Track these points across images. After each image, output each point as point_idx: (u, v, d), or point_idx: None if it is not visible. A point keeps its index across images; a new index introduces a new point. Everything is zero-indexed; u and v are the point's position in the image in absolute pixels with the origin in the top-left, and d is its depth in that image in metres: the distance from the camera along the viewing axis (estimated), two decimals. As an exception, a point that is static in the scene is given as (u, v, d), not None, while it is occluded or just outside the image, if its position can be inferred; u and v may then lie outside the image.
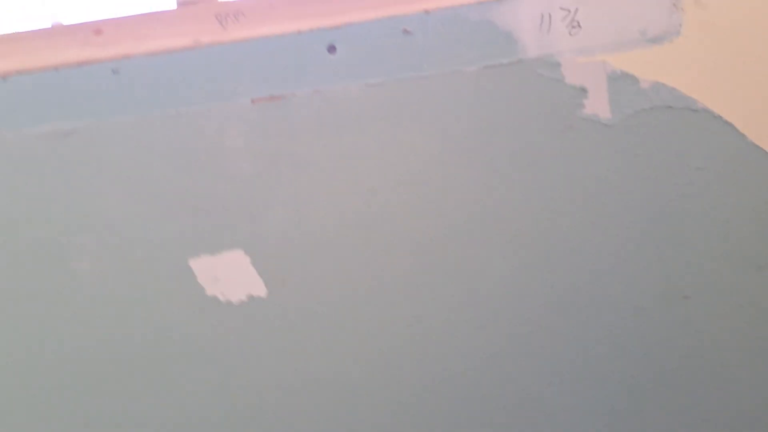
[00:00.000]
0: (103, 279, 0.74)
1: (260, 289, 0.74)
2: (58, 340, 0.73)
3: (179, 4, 0.78)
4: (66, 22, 0.79)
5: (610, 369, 0.74)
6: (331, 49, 0.75)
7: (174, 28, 0.77)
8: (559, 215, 0.72)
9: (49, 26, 0.79)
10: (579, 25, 0.73)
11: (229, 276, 0.74)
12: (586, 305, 0.73)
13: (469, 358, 0.74)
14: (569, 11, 0.73)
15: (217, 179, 0.75)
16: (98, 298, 0.73)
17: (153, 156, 0.75)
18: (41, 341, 0.73)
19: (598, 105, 0.72)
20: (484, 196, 0.73)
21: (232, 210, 0.74)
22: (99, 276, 0.74)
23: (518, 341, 0.74)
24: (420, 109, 0.74)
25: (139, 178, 0.75)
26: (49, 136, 0.75)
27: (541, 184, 0.72)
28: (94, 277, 0.73)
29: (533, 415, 0.75)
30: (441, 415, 0.74)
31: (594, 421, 0.74)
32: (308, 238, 0.74)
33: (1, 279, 0.73)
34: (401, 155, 0.74)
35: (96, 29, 0.77)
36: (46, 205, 0.74)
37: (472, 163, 0.73)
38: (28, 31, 0.79)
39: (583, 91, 0.73)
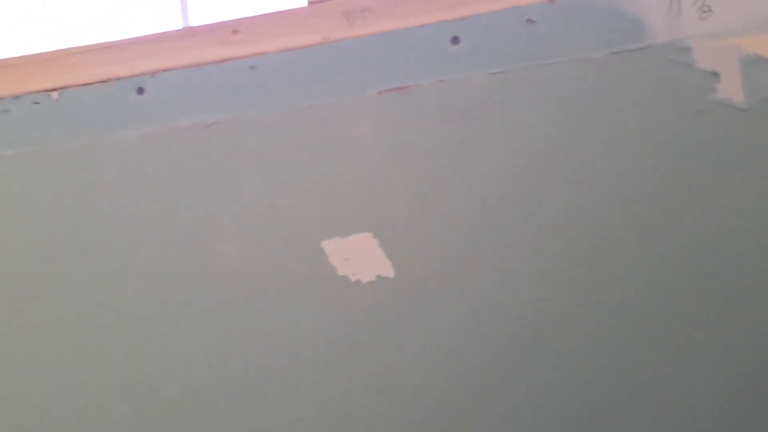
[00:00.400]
0: (244, 259, 0.80)
1: (388, 270, 0.78)
2: (203, 312, 0.80)
3: (309, 3, 0.82)
4: (202, 23, 0.85)
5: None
6: (455, 40, 0.77)
7: (305, 26, 0.81)
8: (692, 200, 0.72)
9: (190, 26, 0.85)
10: (710, 9, 0.72)
11: (359, 257, 0.78)
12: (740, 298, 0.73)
13: (601, 343, 0.75)
14: (700, -6, 0.72)
15: (346, 167, 0.79)
16: (239, 276, 0.80)
17: (287, 146, 0.80)
18: (189, 313, 0.80)
19: (731, 89, 0.71)
20: (613, 181, 0.73)
21: (360, 195, 0.78)
22: (240, 256, 0.80)
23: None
24: (544, 97, 0.75)
25: (275, 166, 0.80)
26: (193, 128, 0.81)
27: (673, 168, 0.72)
28: (236, 256, 0.80)
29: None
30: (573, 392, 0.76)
31: None
32: (434, 222, 0.77)
33: (155, 257, 0.81)
34: (524, 142, 0.75)
35: (234, 29, 0.83)
36: (191, 191, 0.81)
37: (600, 149, 0.74)
38: (171, 32, 0.86)
39: (716, 75, 0.72)
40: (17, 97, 0.84)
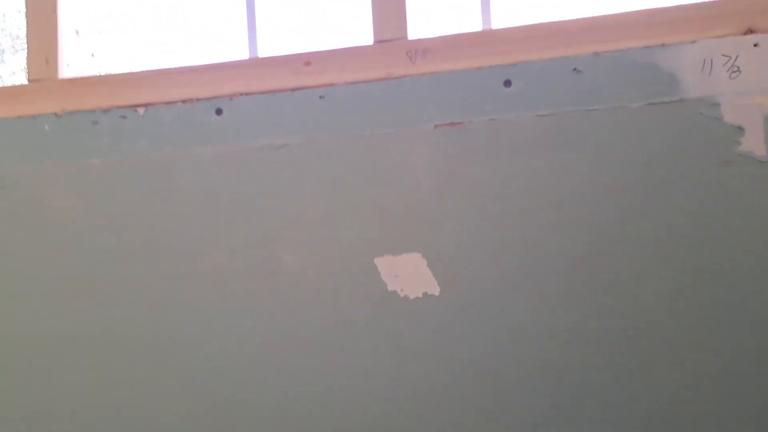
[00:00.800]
0: (304, 269, 0.88)
1: (434, 288, 0.86)
2: (265, 315, 0.88)
3: (376, 42, 0.91)
4: (279, 53, 0.94)
5: None
6: (507, 83, 0.86)
7: (371, 62, 0.90)
8: (714, 240, 0.80)
9: (267, 56, 0.94)
10: (739, 70, 0.80)
11: (408, 275, 0.86)
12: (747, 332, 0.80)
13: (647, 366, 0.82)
14: (730, 57, 0.80)
15: (401, 191, 0.87)
16: (299, 284, 0.88)
17: (349, 169, 0.88)
18: (251, 315, 0.88)
19: (754, 143, 0.79)
20: (643, 219, 0.81)
21: (413, 218, 0.87)
22: (300, 266, 0.88)
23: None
24: (586, 140, 0.83)
25: (337, 187, 0.88)
26: (265, 148, 0.90)
27: (699, 213, 0.80)
28: (297, 266, 0.88)
29: None
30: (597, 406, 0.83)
31: None
32: (478, 247, 0.85)
33: (223, 263, 0.89)
34: (566, 180, 0.83)
35: (306, 61, 0.92)
36: (260, 205, 0.89)
37: (633, 190, 0.82)
38: (249, 59, 0.95)
39: (741, 129, 0.80)
40: (107, 110, 0.93)
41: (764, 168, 0.79)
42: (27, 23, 0.96)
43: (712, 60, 0.81)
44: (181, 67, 0.94)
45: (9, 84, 0.99)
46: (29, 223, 0.92)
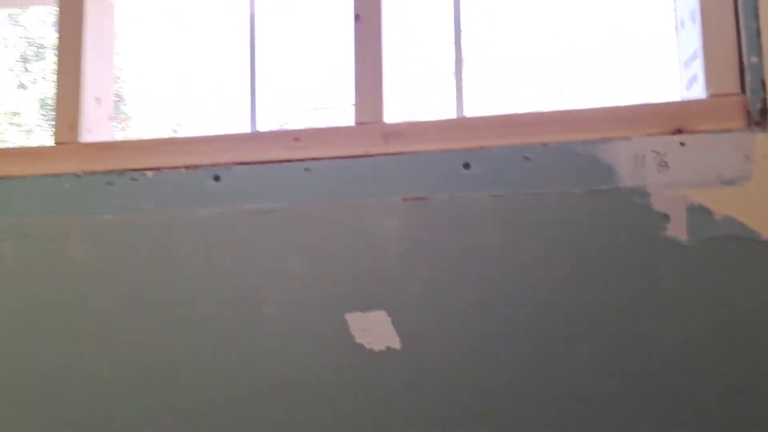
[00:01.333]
0: (283, 321, 1.00)
1: (396, 343, 0.97)
2: (250, 361, 1.00)
3: (357, 123, 1.04)
4: (268, 129, 1.07)
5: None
6: (467, 165, 0.98)
7: (351, 141, 1.03)
8: (642, 315, 0.91)
9: (261, 131, 1.08)
10: (667, 165, 0.92)
11: (374, 330, 0.98)
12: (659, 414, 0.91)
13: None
14: (659, 153, 0.92)
15: (371, 255, 0.99)
16: (279, 334, 1.00)
17: (327, 233, 1.01)
18: (236, 362, 1.00)
19: (678, 229, 0.91)
20: (580, 293, 0.93)
21: (380, 279, 0.99)
22: (280, 318, 1.00)
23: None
24: (534, 218, 0.95)
25: (315, 249, 1.01)
26: (256, 212, 1.03)
27: (627, 291, 0.91)
28: (277, 318, 1.00)
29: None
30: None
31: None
32: (437, 307, 0.97)
33: (213, 313, 1.01)
34: (515, 253, 0.95)
35: (295, 137, 1.05)
36: (248, 261, 1.02)
37: (572, 266, 0.93)
38: (245, 133, 1.09)
39: (666, 217, 0.91)
40: (120, 173, 1.07)
41: (686, 251, 0.90)
42: (56, 93, 1.10)
43: (644, 155, 0.93)
44: (185, 137, 1.07)
45: (36, 145, 1.12)
46: (50, 269, 1.06)
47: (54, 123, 1.10)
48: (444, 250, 0.97)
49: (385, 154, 1.02)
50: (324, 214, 1.01)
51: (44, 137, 12.28)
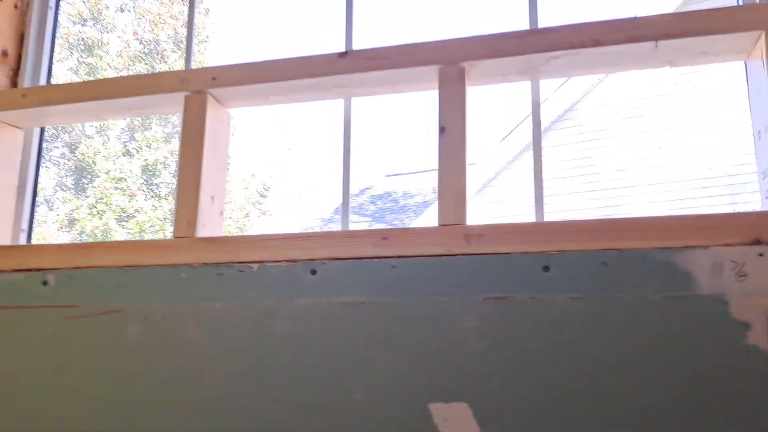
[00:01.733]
0: (372, 406, 1.07)
1: (477, 437, 1.02)
2: (335, 446, 1.07)
3: (440, 225, 1.13)
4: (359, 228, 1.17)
5: None
6: (546, 268, 1.04)
7: (435, 241, 1.12)
8: (720, 427, 0.91)
9: (354, 230, 1.18)
10: (745, 275, 0.94)
11: (456, 420, 1.03)
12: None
13: None
14: (737, 263, 0.95)
15: (454, 349, 1.05)
16: (367, 419, 1.06)
17: (412, 327, 1.08)
18: (324, 446, 1.08)
19: (758, 337, 0.92)
20: (656, 396, 0.95)
21: (462, 373, 1.04)
22: (369, 404, 1.07)
23: None
24: (611, 323, 0.99)
25: (401, 341, 1.08)
26: (347, 304, 1.12)
27: (707, 397, 0.92)
28: (367, 403, 1.07)
29: None
30: None
31: None
32: (517, 402, 1.01)
33: (309, 393, 1.10)
34: (593, 355, 0.99)
35: (384, 236, 1.15)
36: (338, 349, 1.10)
37: (649, 371, 0.95)
38: (339, 231, 1.19)
39: (747, 325, 0.93)
40: (229, 265, 1.20)
41: (767, 359, 0.91)
42: (177, 192, 1.26)
43: (722, 264, 0.95)
44: (286, 234, 1.19)
45: (159, 239, 1.27)
46: (165, 348, 1.18)
47: (174, 219, 1.26)
48: (524, 348, 1.02)
49: (467, 255, 1.09)
50: (409, 309, 1.09)
51: (143, 200, 13.23)
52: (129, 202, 13.29)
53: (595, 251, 1.02)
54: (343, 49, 1.37)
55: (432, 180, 11.84)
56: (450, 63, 1.18)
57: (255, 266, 1.19)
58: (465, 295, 1.07)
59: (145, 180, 14.09)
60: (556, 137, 7.73)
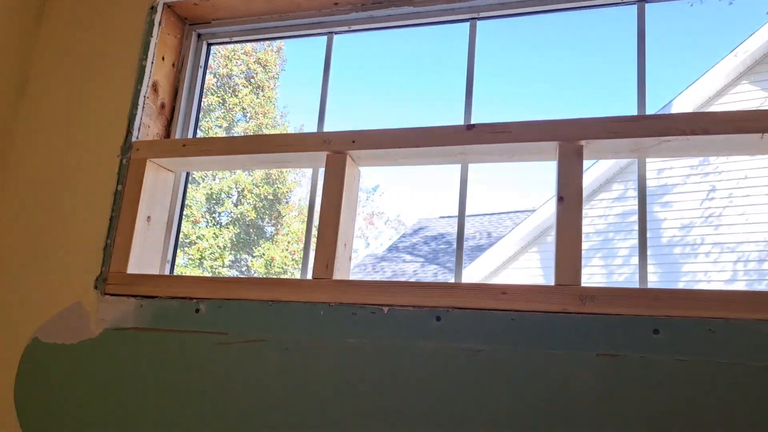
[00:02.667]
0: (486, 447, 1.19)
1: (586, 480, 1.13)
2: (453, 478, 1.20)
3: (556, 284, 1.26)
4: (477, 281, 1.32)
5: None
6: (656, 331, 1.16)
7: (551, 298, 1.25)
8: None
9: (478, 283, 1.33)
10: None
11: (566, 465, 1.14)
12: None
13: None
14: (840, 340, 1.04)
15: (567, 402, 1.18)
16: (482, 458, 1.19)
17: (529, 377, 1.21)
18: (443, 476, 1.20)
19: None
20: (761, 458, 1.04)
21: (575, 424, 1.16)
22: (484, 444, 1.20)
23: None
24: (716, 385, 1.09)
25: (518, 389, 1.21)
26: (468, 350, 1.26)
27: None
28: (482, 444, 1.20)
29: None
30: None
31: None
32: (624, 454, 1.12)
33: (424, 425, 1.23)
34: (698, 416, 1.09)
35: (503, 291, 1.29)
36: (459, 391, 1.24)
37: (753, 433, 1.06)
38: (463, 284, 1.34)
39: None
40: (362, 306, 1.35)
41: None
42: (317, 240, 1.44)
43: (824, 340, 1.05)
44: (414, 282, 1.35)
45: (298, 278, 1.46)
46: (301, 380, 1.34)
47: (313, 262, 1.43)
48: (635, 405, 1.14)
49: (580, 313, 1.22)
50: (526, 360, 1.22)
51: (205, 227, 13.77)
52: (192, 228, 13.84)
53: (702, 318, 1.14)
54: (466, 122, 1.54)
55: (488, 224, 11.92)
56: (568, 140, 1.33)
57: (385, 309, 1.34)
58: (579, 350, 1.20)
59: (208, 208, 14.66)
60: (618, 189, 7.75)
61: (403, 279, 10.65)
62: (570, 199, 1.30)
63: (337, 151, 1.49)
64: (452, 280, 8.03)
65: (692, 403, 1.10)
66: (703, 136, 1.25)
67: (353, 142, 1.48)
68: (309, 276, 1.47)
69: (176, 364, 1.43)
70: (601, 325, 1.20)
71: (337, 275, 1.42)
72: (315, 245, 1.45)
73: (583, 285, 1.25)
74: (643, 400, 1.13)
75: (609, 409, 1.15)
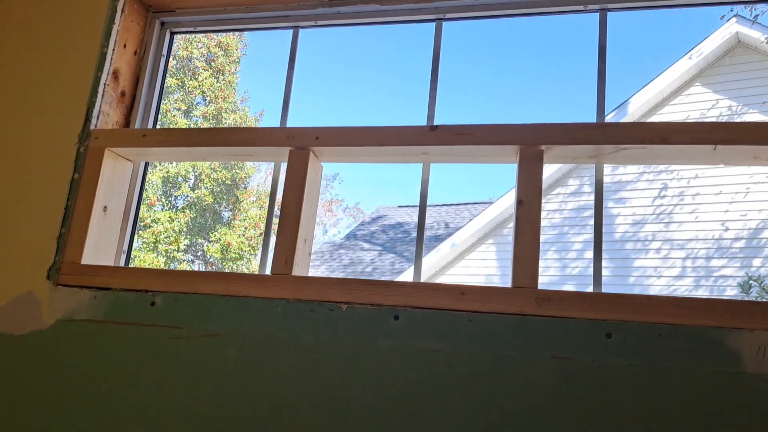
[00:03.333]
0: (441, 445, 1.21)
1: (537, 478, 1.16)
2: (407, 475, 1.21)
3: (513, 286, 1.29)
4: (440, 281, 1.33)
5: None
6: (608, 335, 1.19)
7: (509, 300, 1.27)
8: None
9: (439, 282, 1.34)
10: (785, 358, 1.09)
11: (518, 464, 1.17)
12: None
13: None
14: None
15: (521, 401, 1.20)
16: (437, 456, 1.21)
17: (483, 376, 1.23)
18: (398, 474, 1.22)
19: (794, 415, 1.06)
20: (702, 458, 1.09)
21: (529, 425, 1.19)
22: (439, 442, 1.22)
23: None
24: (665, 390, 1.14)
25: (472, 388, 1.23)
26: (425, 350, 1.27)
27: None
28: (437, 442, 1.22)
29: None
30: None
31: None
32: (574, 454, 1.15)
33: (379, 425, 1.24)
34: (648, 420, 1.13)
35: (462, 291, 1.30)
36: (414, 390, 1.25)
37: (696, 434, 1.10)
38: (421, 283, 1.35)
39: (784, 403, 1.07)
40: (321, 303, 1.35)
41: (801, 437, 1.05)
42: (277, 236, 1.43)
43: (765, 348, 1.10)
44: (374, 280, 1.35)
45: (257, 273, 1.46)
46: (259, 373, 1.34)
47: (273, 257, 1.42)
48: (585, 405, 1.17)
49: (536, 315, 1.25)
50: (481, 360, 1.24)
51: (160, 210, 13.50)
52: (147, 211, 13.54)
53: (654, 324, 1.17)
54: (429, 122, 1.55)
55: (445, 214, 12.03)
56: (530, 145, 1.35)
57: (344, 306, 1.34)
58: (534, 352, 1.22)
59: (164, 191, 14.36)
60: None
61: (360, 267, 10.68)
62: (529, 202, 1.33)
63: (300, 147, 1.48)
64: (410, 272, 8.04)
65: (642, 406, 1.14)
66: (660, 146, 1.29)
67: (317, 138, 1.47)
68: (268, 271, 1.46)
69: (130, 358, 1.41)
70: (556, 328, 1.23)
71: (296, 271, 1.42)
72: (275, 240, 1.44)
73: (540, 288, 1.28)
74: (594, 402, 1.17)
75: (561, 411, 1.18)
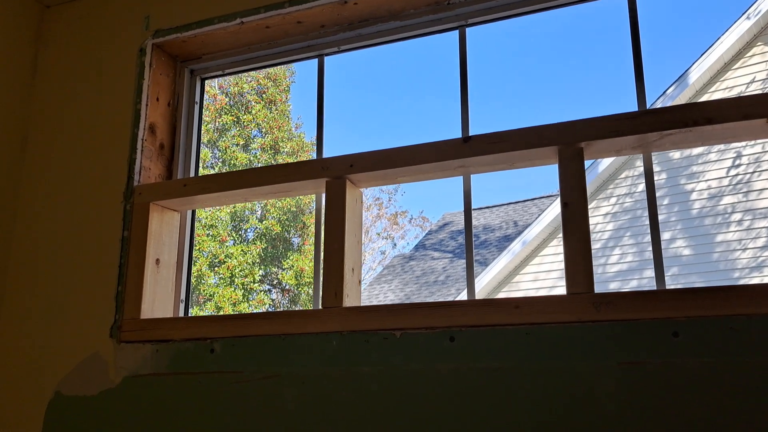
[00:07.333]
0: (513, 467, 1.16)
1: (618, 495, 1.09)
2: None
3: (569, 293, 1.23)
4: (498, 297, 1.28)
5: None
6: (675, 334, 1.12)
7: (564, 309, 1.21)
8: None
9: (488, 298, 1.29)
10: None
11: (596, 481, 1.11)
12: None
13: None
14: None
15: (590, 411, 1.14)
16: (509, 479, 1.16)
17: (547, 392, 1.17)
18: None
19: None
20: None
21: (599, 435, 1.12)
22: (510, 465, 1.17)
23: None
24: (741, 385, 1.05)
25: (539, 404, 1.17)
26: (485, 369, 1.23)
27: None
28: (508, 465, 1.17)
29: None
30: None
31: None
32: (655, 465, 1.08)
33: (452, 456, 1.20)
34: (726, 419, 1.05)
35: (516, 305, 1.25)
36: (479, 411, 1.21)
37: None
38: (475, 300, 1.31)
39: None
40: (375, 332, 1.33)
41: None
42: (324, 268, 1.42)
43: None
44: (425, 303, 1.32)
45: (308, 309, 1.47)
46: (319, 410, 1.33)
47: (322, 291, 1.42)
48: (658, 411, 1.10)
49: (596, 321, 1.18)
50: (543, 373, 1.19)
51: (232, 245, 13.93)
52: (219, 247, 13.97)
53: (724, 317, 1.09)
54: (463, 133, 1.51)
55: (513, 213, 11.81)
56: (568, 143, 1.30)
57: (398, 333, 1.32)
58: (598, 360, 1.16)
59: (233, 226, 14.79)
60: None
61: (433, 276, 10.60)
62: (574, 204, 1.27)
63: (336, 177, 1.47)
64: (485, 278, 7.85)
65: (720, 406, 1.06)
66: (707, 127, 1.20)
67: (351, 166, 1.46)
68: (320, 304, 1.45)
69: (195, 407, 1.43)
70: (619, 332, 1.16)
71: (347, 302, 1.41)
72: (322, 273, 1.43)
73: (597, 292, 1.21)
74: (668, 406, 1.09)
75: (633, 418, 1.11)
